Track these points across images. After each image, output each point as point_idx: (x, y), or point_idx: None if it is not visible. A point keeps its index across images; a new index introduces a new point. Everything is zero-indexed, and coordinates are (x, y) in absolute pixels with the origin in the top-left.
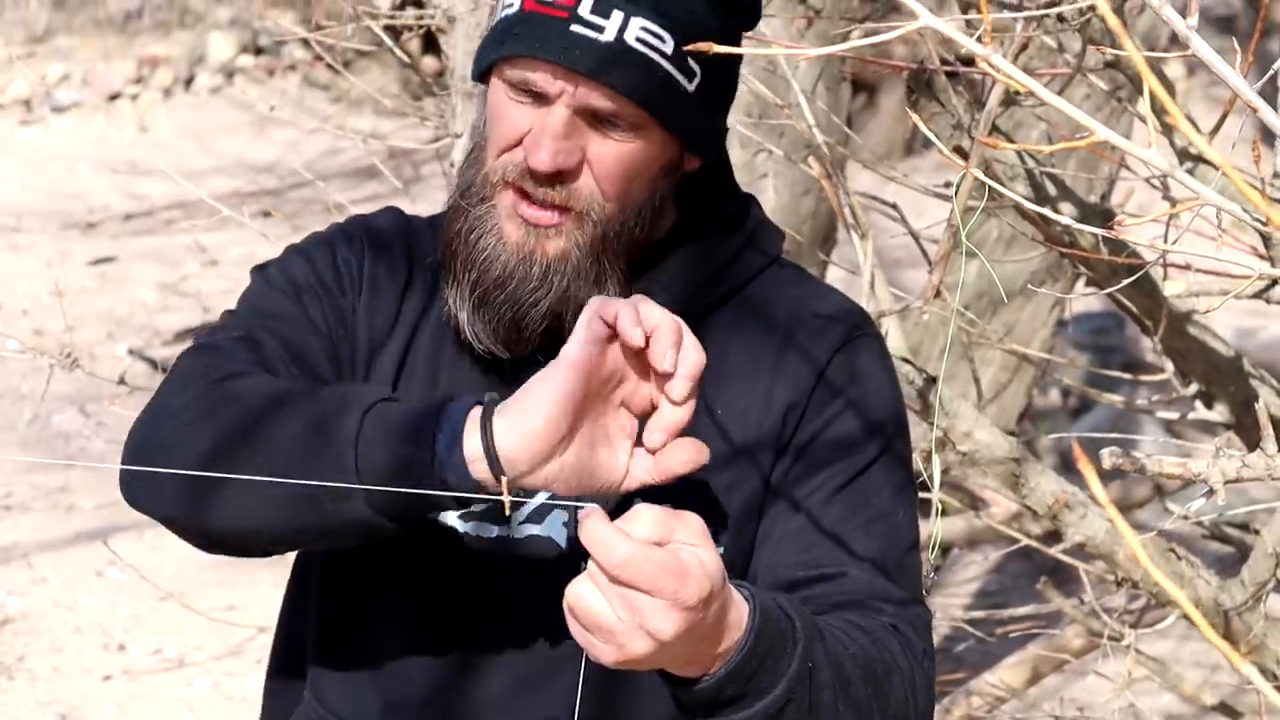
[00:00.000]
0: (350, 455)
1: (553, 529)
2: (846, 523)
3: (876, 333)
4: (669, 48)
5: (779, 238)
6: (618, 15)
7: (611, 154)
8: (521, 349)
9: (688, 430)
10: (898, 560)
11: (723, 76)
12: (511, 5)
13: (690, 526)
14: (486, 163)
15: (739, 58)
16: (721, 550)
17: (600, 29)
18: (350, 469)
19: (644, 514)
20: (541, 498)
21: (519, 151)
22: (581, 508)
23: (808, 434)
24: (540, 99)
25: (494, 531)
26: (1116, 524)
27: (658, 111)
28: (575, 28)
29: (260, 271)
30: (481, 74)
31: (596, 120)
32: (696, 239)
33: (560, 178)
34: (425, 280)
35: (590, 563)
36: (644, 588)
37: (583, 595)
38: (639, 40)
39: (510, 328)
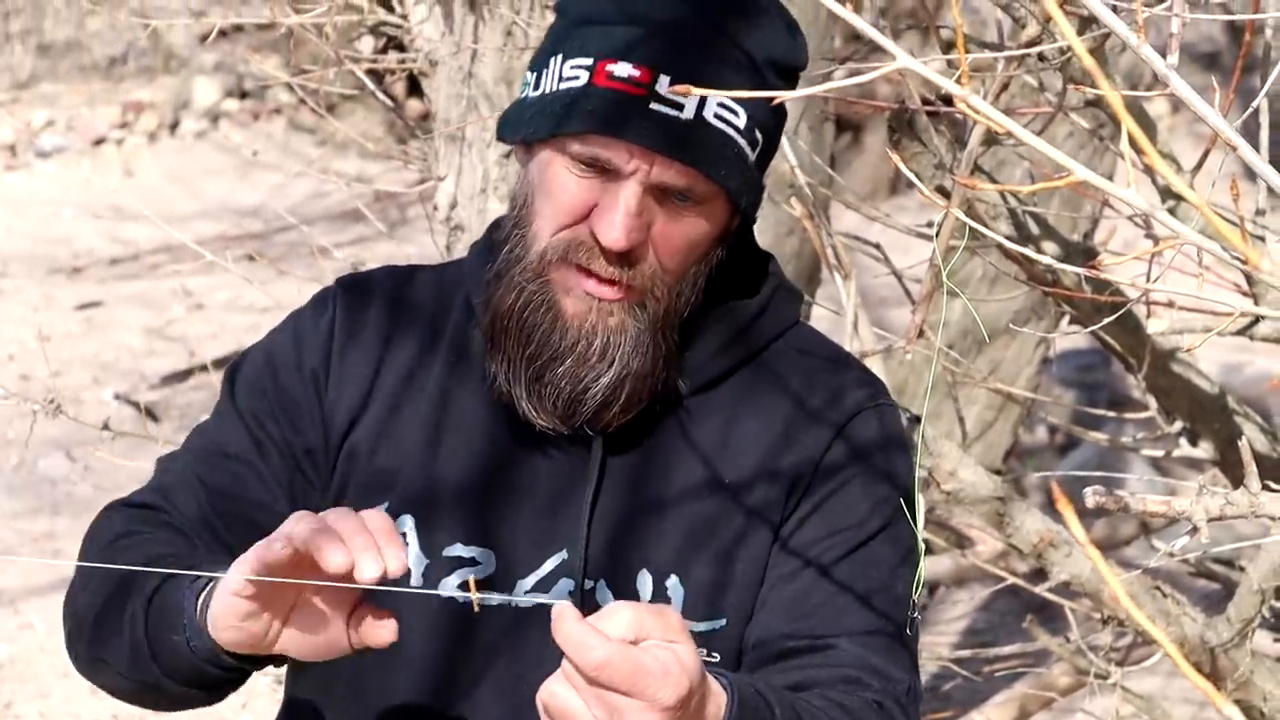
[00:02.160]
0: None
1: (559, 599)
2: (843, 594)
3: (890, 403)
4: (742, 121)
5: (798, 300)
6: (696, 91)
7: (679, 232)
8: (572, 422)
9: (695, 501)
10: (892, 634)
11: (774, 140)
12: (575, 78)
13: (668, 623)
14: (540, 238)
15: (784, 119)
16: (723, 622)
17: (680, 106)
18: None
19: (620, 611)
20: (525, 597)
21: (582, 228)
22: (551, 604)
23: (811, 504)
24: (608, 174)
25: (494, 600)
26: (1098, 565)
27: (730, 186)
28: (655, 106)
29: (229, 383)
30: (519, 140)
31: (664, 196)
32: (721, 304)
33: (627, 256)
34: (423, 330)
35: (565, 662)
36: (622, 689)
37: (558, 695)
38: (717, 116)
39: (568, 403)
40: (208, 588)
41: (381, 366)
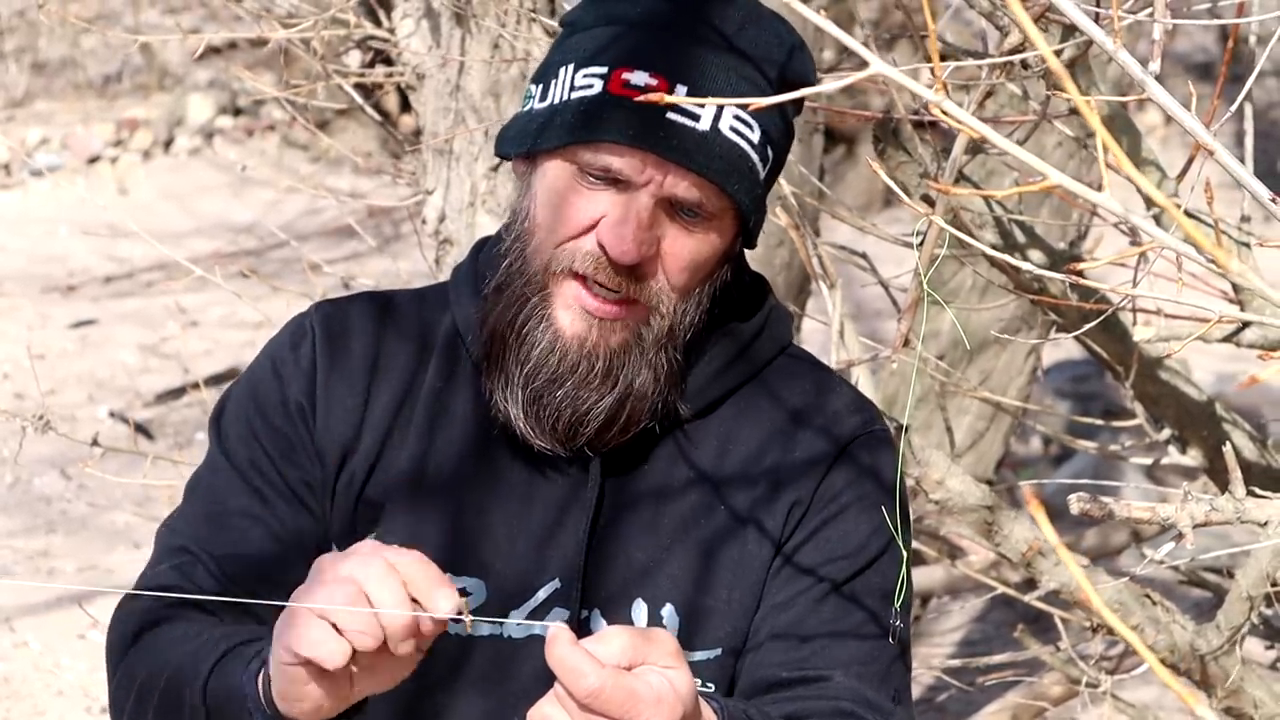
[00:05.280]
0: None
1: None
2: (836, 624)
3: (885, 429)
4: (756, 136)
5: (790, 323)
6: (678, 100)
7: (688, 247)
8: (573, 444)
9: (692, 528)
10: (885, 666)
11: (782, 159)
12: (589, 86)
13: (662, 648)
14: (544, 250)
15: (793, 137)
16: (719, 651)
17: (696, 117)
18: None
19: (614, 637)
20: (519, 623)
21: (588, 239)
22: (547, 627)
23: (807, 531)
24: (619, 185)
25: (484, 630)
26: (1072, 570)
27: (741, 200)
28: (672, 115)
29: (215, 430)
30: (524, 152)
31: (674, 210)
32: (721, 326)
33: (635, 270)
34: (407, 356)
35: (558, 684)
36: (614, 716)
37: (550, 717)
38: (732, 129)
39: (568, 425)
40: (263, 669)
41: (370, 397)
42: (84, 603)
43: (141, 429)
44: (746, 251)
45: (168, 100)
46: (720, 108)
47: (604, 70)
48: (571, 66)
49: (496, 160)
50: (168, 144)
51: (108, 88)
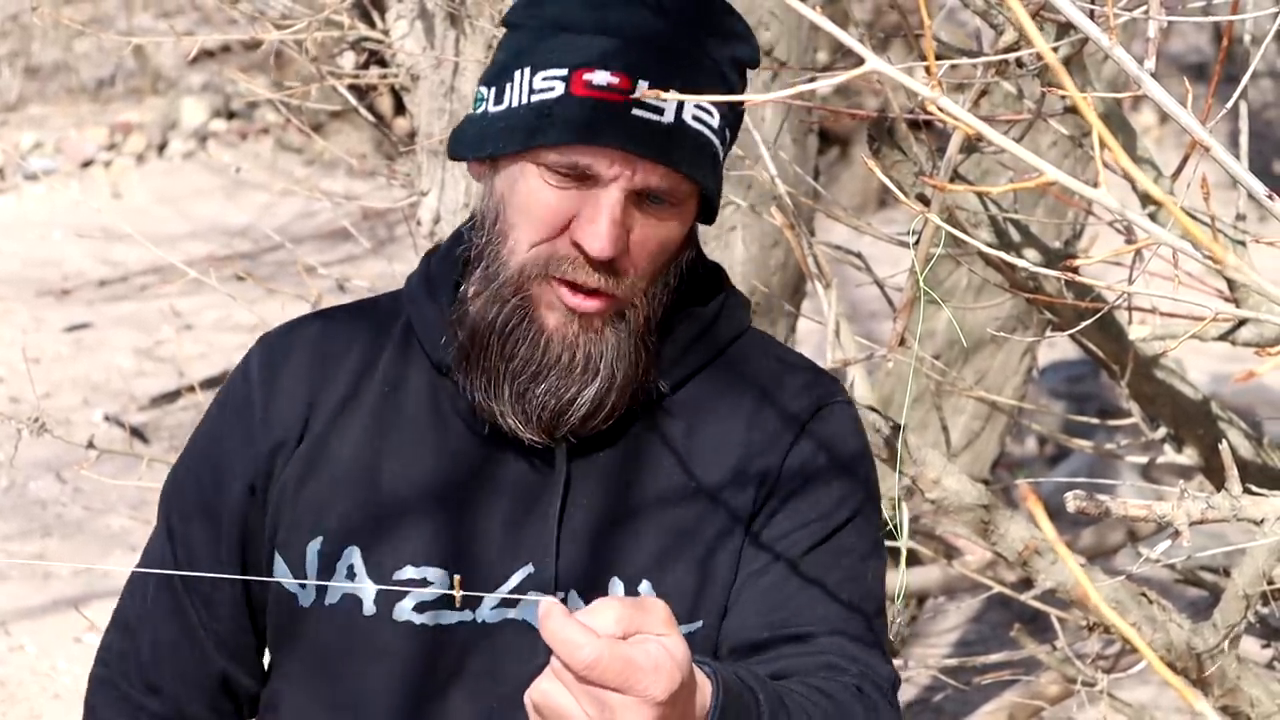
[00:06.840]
0: None
1: (527, 613)
2: (815, 585)
3: (848, 398)
4: (716, 122)
5: (746, 307)
6: (672, 96)
7: (656, 235)
8: (556, 433)
9: (664, 505)
10: (865, 623)
11: (735, 134)
12: (550, 89)
13: (656, 615)
14: (517, 253)
15: (743, 116)
16: (700, 625)
17: (660, 110)
18: None
19: (607, 608)
20: (504, 592)
21: (561, 241)
22: (537, 600)
23: (779, 500)
24: (587, 181)
25: (453, 619)
26: (1070, 567)
27: (708, 185)
28: (637, 112)
29: (172, 480)
30: (492, 154)
31: (640, 200)
32: (683, 308)
33: (611, 264)
34: (355, 362)
35: (554, 659)
36: (613, 685)
37: (549, 693)
38: (695, 119)
39: (553, 416)
40: None
41: (312, 409)
42: (80, 606)
43: (137, 432)
44: (739, 253)
45: (161, 104)
46: (681, 100)
47: (564, 72)
48: (528, 69)
49: None
50: (161, 147)
51: (101, 91)
